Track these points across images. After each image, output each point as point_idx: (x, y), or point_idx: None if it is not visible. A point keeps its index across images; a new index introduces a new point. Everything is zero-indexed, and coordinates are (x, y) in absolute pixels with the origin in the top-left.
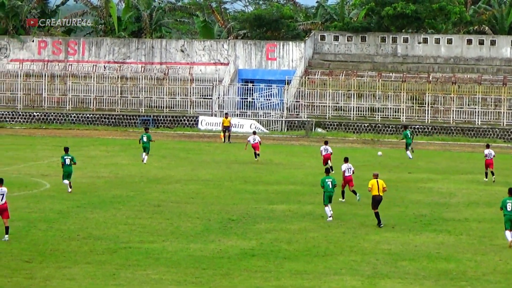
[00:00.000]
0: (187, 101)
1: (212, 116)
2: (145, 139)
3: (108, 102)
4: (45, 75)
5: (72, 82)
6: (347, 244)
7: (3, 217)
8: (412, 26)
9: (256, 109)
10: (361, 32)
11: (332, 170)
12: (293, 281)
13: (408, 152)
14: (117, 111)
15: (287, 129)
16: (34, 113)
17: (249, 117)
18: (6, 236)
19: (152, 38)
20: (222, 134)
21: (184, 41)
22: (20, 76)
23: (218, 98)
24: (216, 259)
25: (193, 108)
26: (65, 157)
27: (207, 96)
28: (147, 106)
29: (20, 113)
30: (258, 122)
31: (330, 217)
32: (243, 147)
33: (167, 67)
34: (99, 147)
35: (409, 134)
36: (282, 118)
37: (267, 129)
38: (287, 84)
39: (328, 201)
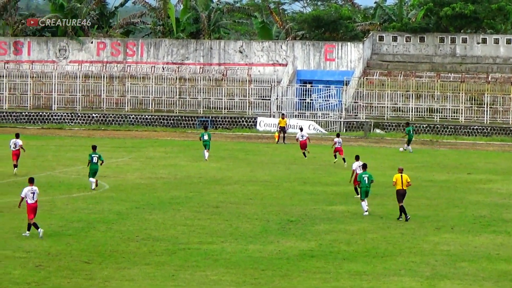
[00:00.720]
0: (246, 102)
1: (270, 117)
2: (206, 137)
3: (166, 103)
4: (103, 76)
5: (130, 83)
6: (406, 245)
7: (32, 216)
8: (471, 27)
9: (315, 110)
10: (419, 32)
11: (345, 162)
12: (352, 282)
13: (409, 147)
14: (176, 112)
15: (346, 130)
16: (93, 114)
17: (307, 118)
18: (41, 230)
19: (210, 39)
20: (277, 134)
21: (243, 42)
22: (79, 77)
23: (277, 99)
24: (275, 260)
25: (251, 109)
26: (92, 155)
27: (266, 97)
28: (205, 107)
29: (79, 114)
30: (316, 123)
31: (366, 211)
32: (299, 149)
33: (226, 68)
34: (157, 148)
35: (411, 130)
36: (340, 119)
37: (325, 130)
38: (346, 85)
39: (364, 196)
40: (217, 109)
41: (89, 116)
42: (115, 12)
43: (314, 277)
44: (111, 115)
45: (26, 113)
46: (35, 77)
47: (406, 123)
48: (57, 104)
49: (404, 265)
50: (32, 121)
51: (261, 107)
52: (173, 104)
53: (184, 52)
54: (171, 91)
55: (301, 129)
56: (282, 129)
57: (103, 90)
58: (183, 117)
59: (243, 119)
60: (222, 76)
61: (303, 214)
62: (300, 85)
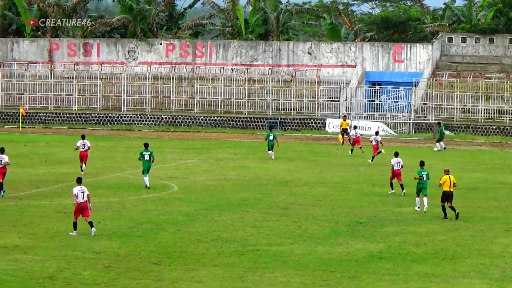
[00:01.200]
0: (314, 103)
1: (339, 118)
2: (271, 137)
3: (235, 105)
4: (173, 78)
5: (199, 85)
6: (476, 247)
7: (84, 215)
8: None
9: (384, 111)
10: (489, 33)
11: (363, 152)
12: (421, 284)
13: (440, 144)
14: (245, 114)
15: (415, 132)
16: (162, 116)
17: (376, 119)
18: (93, 229)
19: (279, 41)
20: (340, 136)
21: (311, 43)
22: (148, 78)
23: (346, 100)
24: (343, 261)
25: (320, 111)
26: (144, 152)
27: (334, 98)
28: (274, 108)
29: (148, 115)
30: (385, 124)
31: (417, 207)
32: (367, 150)
33: (294, 69)
34: (226, 150)
35: (443, 129)
36: (409, 120)
37: (394, 132)
38: (415, 86)
39: (420, 193)
40: (286, 110)
41: (158, 118)
42: (184, 14)
43: (383, 279)
44: (180, 116)
45: (96, 114)
46: (105, 78)
47: (438, 123)
48: (127, 106)
49: (474, 267)
50: (101, 122)
51: (330, 108)
52: (242, 105)
53: (253, 54)
54: (240, 93)
55: (355, 127)
56: (345, 131)
57: (172, 91)
58: (252, 119)
59: (312, 120)
60: (291, 78)
61: (372, 215)
62: (369, 87)
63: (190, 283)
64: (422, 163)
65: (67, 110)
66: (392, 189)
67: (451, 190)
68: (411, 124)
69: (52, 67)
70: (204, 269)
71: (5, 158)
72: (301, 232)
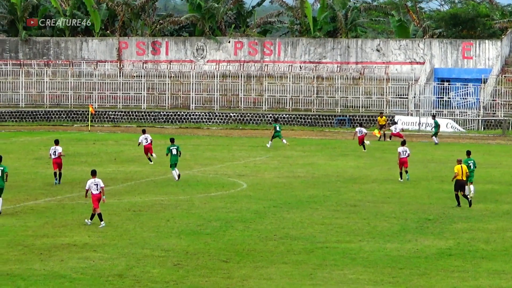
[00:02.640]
0: (383, 100)
1: (408, 115)
2: (277, 128)
3: (304, 102)
4: (241, 76)
5: (268, 83)
6: None
7: (97, 205)
8: None
9: (452, 108)
10: None
11: (365, 149)
12: (491, 281)
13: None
14: (313, 111)
15: (484, 128)
16: (231, 114)
17: (445, 116)
18: (103, 222)
19: (347, 38)
20: (378, 131)
21: (380, 40)
22: (217, 77)
23: (414, 97)
24: (413, 258)
25: (389, 108)
26: (171, 147)
27: (403, 95)
28: (343, 105)
29: (216, 113)
30: (454, 121)
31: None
32: (438, 147)
33: (363, 66)
34: (295, 147)
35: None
36: (478, 117)
37: (463, 128)
38: (484, 82)
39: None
40: (355, 107)
41: (226, 116)
42: (252, 12)
43: (452, 275)
44: (248, 114)
45: (164, 112)
46: (173, 76)
47: (433, 115)
48: (195, 104)
49: None
50: (170, 120)
51: (398, 105)
52: (311, 103)
53: (321, 51)
54: (309, 90)
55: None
56: (382, 127)
57: (241, 89)
58: (321, 116)
59: None
60: (359, 75)
61: (441, 212)
62: (438, 83)
63: (259, 280)
64: (468, 153)
65: (136, 108)
66: (401, 178)
67: (464, 179)
68: (480, 120)
69: (121, 66)
70: (273, 266)
71: (59, 149)
72: (370, 229)
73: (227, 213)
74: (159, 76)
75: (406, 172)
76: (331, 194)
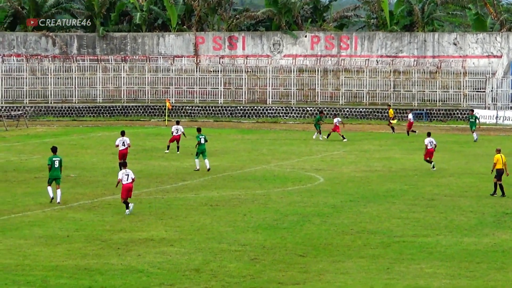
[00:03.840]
0: (460, 94)
1: (485, 109)
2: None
3: (380, 96)
4: (318, 70)
5: (345, 77)
6: None
7: (128, 196)
8: None
9: None
10: None
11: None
12: None
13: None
14: (390, 105)
15: None
16: (308, 108)
17: None
18: (128, 210)
19: (424, 32)
20: (389, 122)
21: (457, 34)
22: (293, 71)
23: (491, 91)
24: (490, 253)
25: (466, 102)
26: (200, 136)
27: (480, 89)
28: (419, 99)
29: (293, 108)
30: None
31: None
32: None
33: (440, 60)
34: (372, 141)
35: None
36: None
37: None
38: None
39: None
40: (432, 101)
41: (303, 110)
42: (328, 6)
43: None
44: (325, 108)
45: (241, 107)
46: (250, 71)
47: (471, 110)
48: (272, 98)
49: None
50: (247, 115)
51: (475, 99)
52: (387, 97)
53: (398, 45)
54: (385, 84)
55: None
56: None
57: (317, 83)
58: (398, 110)
59: (457, 111)
60: (436, 69)
61: None
62: None
63: (336, 275)
64: (498, 151)
65: (212, 103)
66: (433, 167)
67: (503, 168)
68: None
69: (198, 61)
70: (350, 260)
71: (127, 140)
72: (447, 223)
73: (304, 208)
74: (235, 71)
75: (431, 162)
76: (408, 188)
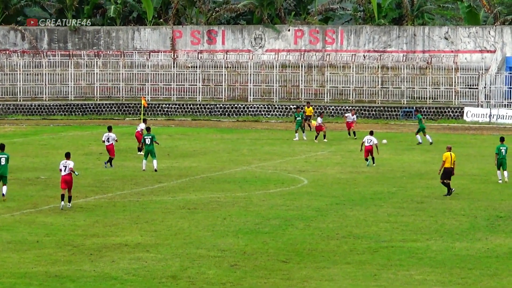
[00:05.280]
0: (452, 91)
1: (478, 107)
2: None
3: (368, 93)
4: (302, 66)
5: (330, 73)
6: None
7: (67, 187)
8: None
9: None
10: None
11: (355, 136)
12: None
13: (428, 137)
14: (378, 103)
15: None
16: (291, 106)
17: None
18: (62, 203)
19: (414, 25)
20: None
21: (448, 28)
22: (276, 67)
23: (485, 87)
24: (483, 258)
25: (458, 99)
26: (145, 136)
27: (473, 85)
28: (409, 97)
29: (276, 106)
30: None
31: (500, 180)
32: None
33: (430, 55)
34: (358, 141)
35: (421, 118)
36: None
37: None
38: None
39: (500, 166)
40: (422, 99)
41: (286, 108)
42: None
43: None
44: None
45: (221, 105)
46: (230, 67)
47: (416, 110)
48: (253, 96)
49: None
50: (227, 113)
51: (468, 96)
52: (375, 94)
53: (386, 39)
54: (373, 81)
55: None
56: (308, 118)
57: (301, 80)
58: (386, 108)
59: (449, 109)
60: (426, 64)
61: None
62: (509, 73)
63: (321, 281)
64: (502, 139)
65: (190, 101)
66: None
67: (452, 166)
68: None
69: (175, 56)
70: (335, 267)
71: (112, 135)
72: (438, 227)
73: (286, 211)
74: (215, 67)
75: (373, 159)
76: (397, 191)
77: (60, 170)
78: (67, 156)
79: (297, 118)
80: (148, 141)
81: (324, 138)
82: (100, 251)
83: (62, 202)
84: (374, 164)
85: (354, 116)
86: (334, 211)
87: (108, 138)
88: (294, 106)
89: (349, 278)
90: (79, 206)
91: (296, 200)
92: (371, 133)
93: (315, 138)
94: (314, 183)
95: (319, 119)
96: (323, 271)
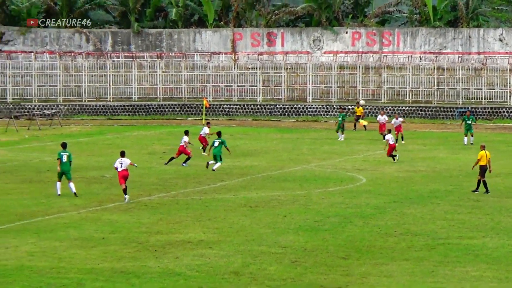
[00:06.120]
0: (506, 92)
1: None
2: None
3: (424, 94)
4: (359, 67)
5: (387, 74)
6: None
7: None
8: None
9: None
10: None
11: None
12: None
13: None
14: (434, 103)
15: None
16: (349, 106)
17: None
18: (127, 196)
19: (468, 27)
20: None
21: (503, 30)
22: (334, 68)
23: None
24: None
25: None
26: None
27: None
28: (464, 97)
29: (334, 106)
30: None
31: None
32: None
33: (485, 57)
34: (415, 141)
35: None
36: None
37: None
38: None
39: None
40: (477, 99)
41: (344, 108)
42: (370, 1)
43: None
44: (367, 106)
45: (280, 105)
46: (289, 68)
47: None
48: (312, 96)
49: None
50: (286, 113)
51: None
52: (431, 94)
53: (441, 41)
54: (429, 82)
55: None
56: (359, 118)
57: (359, 81)
58: (442, 108)
59: (504, 109)
60: (481, 65)
61: None
62: None
63: (379, 278)
64: None
65: (251, 101)
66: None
67: (486, 164)
68: None
69: (236, 58)
70: (394, 263)
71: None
72: (494, 225)
73: (345, 209)
74: (274, 68)
75: (394, 156)
76: (453, 189)
77: (116, 168)
78: (122, 154)
79: (339, 119)
80: (216, 144)
81: (402, 140)
82: (164, 247)
83: (126, 196)
84: (395, 160)
85: (400, 118)
86: (392, 209)
87: (122, 164)
88: (338, 107)
89: (407, 274)
90: (143, 204)
91: (355, 198)
92: (390, 132)
93: (396, 141)
94: (373, 181)
95: (400, 119)
96: (382, 268)
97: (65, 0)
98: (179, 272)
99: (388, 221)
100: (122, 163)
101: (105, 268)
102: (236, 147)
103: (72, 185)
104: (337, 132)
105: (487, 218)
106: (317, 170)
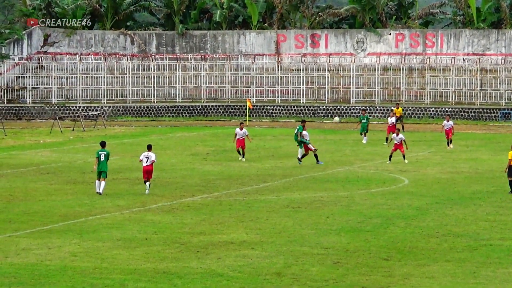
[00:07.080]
0: None
1: None
2: (364, 120)
3: (467, 96)
4: (402, 69)
5: (430, 75)
6: None
7: (149, 176)
8: None
9: None
10: None
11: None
12: None
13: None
14: (477, 105)
15: None
16: (392, 108)
17: None
18: (147, 190)
19: None
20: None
21: None
22: (378, 70)
23: None
24: None
25: None
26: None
27: None
28: (507, 99)
29: (378, 107)
30: None
31: None
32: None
33: None
34: (458, 142)
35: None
36: None
37: None
38: None
39: None
40: None
41: (388, 109)
42: (413, 3)
43: None
44: (410, 108)
45: (324, 107)
46: (333, 70)
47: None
48: (355, 98)
49: None
50: (329, 115)
51: None
52: (474, 96)
53: (485, 43)
54: (472, 83)
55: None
56: (398, 119)
57: (402, 82)
58: (485, 110)
59: None
60: None
61: None
62: None
63: (421, 279)
64: None
65: (294, 103)
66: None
67: None
68: None
69: (279, 59)
70: (436, 264)
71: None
72: None
73: (388, 210)
74: (318, 70)
75: (403, 156)
76: (496, 190)
77: (141, 160)
78: (149, 148)
79: (362, 121)
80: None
81: (449, 145)
82: (206, 248)
83: (147, 189)
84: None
85: (451, 121)
86: (434, 210)
87: (148, 159)
88: (362, 108)
89: (449, 276)
90: (186, 204)
91: (397, 199)
92: (398, 132)
93: (448, 144)
94: (415, 183)
95: (450, 122)
96: (424, 269)
97: (110, 2)
98: (221, 273)
99: (430, 222)
100: (148, 158)
101: (148, 268)
102: (279, 149)
103: (103, 184)
104: (361, 134)
105: None
106: (360, 171)
